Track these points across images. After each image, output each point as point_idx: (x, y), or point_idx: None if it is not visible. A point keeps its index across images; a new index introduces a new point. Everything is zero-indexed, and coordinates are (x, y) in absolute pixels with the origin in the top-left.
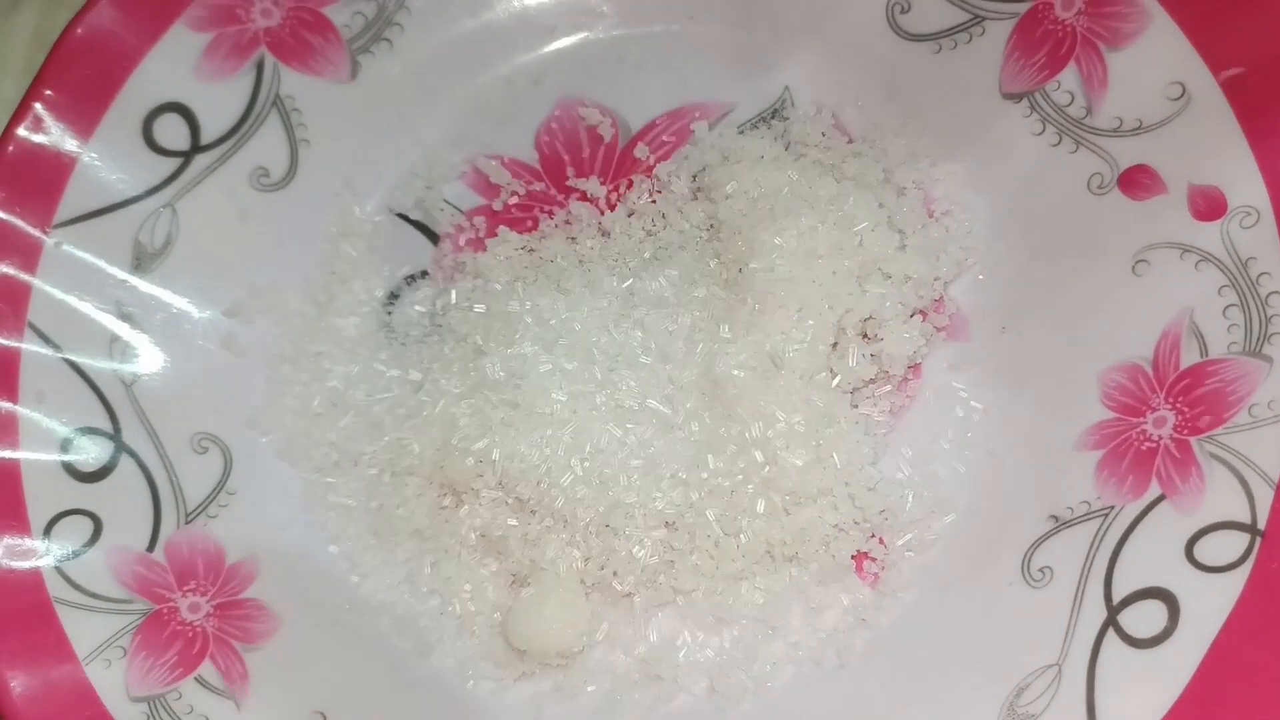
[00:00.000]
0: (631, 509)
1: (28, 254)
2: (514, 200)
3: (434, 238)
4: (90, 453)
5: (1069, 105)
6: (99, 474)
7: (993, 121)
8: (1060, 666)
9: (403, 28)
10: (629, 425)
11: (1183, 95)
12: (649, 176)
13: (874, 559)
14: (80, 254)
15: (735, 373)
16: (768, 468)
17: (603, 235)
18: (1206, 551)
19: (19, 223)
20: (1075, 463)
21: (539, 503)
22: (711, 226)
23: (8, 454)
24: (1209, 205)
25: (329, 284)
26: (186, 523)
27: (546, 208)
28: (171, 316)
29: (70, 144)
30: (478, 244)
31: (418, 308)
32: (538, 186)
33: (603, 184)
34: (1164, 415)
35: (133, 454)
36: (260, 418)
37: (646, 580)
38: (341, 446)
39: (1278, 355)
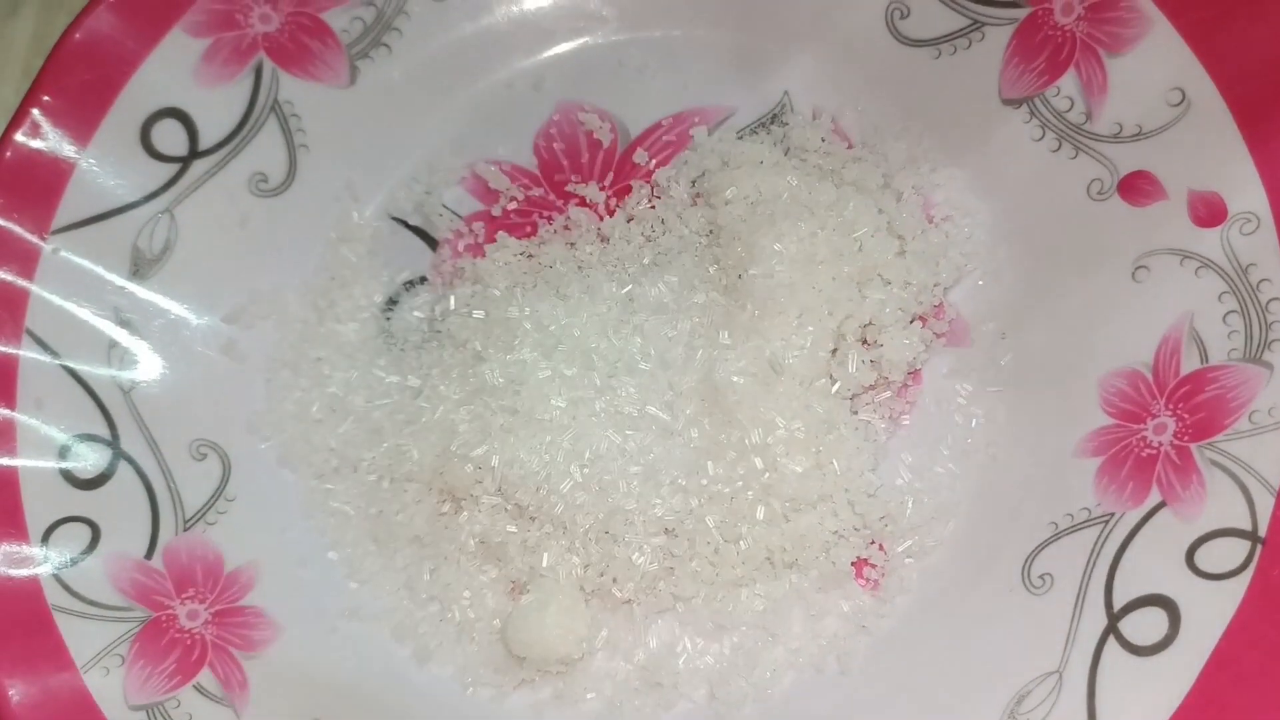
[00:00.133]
0: (631, 515)
1: (25, 260)
2: (513, 206)
3: (433, 243)
4: (88, 460)
5: (1069, 111)
6: (97, 481)
7: (992, 127)
8: (1061, 674)
9: (401, 33)
10: (628, 431)
11: (1183, 101)
12: (648, 182)
13: (874, 565)
14: (78, 260)
15: (735, 379)
16: (767, 474)
17: (602, 241)
18: (1207, 559)
19: (16, 229)
20: (1075, 469)
21: (538, 509)
22: (711, 232)
23: (5, 461)
24: (1209, 211)
25: (328, 289)
26: (185, 529)
27: (545, 213)
28: (170, 323)
29: (68, 150)
30: (477, 249)
31: (416, 313)
32: (537, 192)
33: (602, 189)
34: (1164, 422)
35: (131, 461)
36: (259, 424)
37: (646, 587)
38: (341, 452)
39: (1278, 362)
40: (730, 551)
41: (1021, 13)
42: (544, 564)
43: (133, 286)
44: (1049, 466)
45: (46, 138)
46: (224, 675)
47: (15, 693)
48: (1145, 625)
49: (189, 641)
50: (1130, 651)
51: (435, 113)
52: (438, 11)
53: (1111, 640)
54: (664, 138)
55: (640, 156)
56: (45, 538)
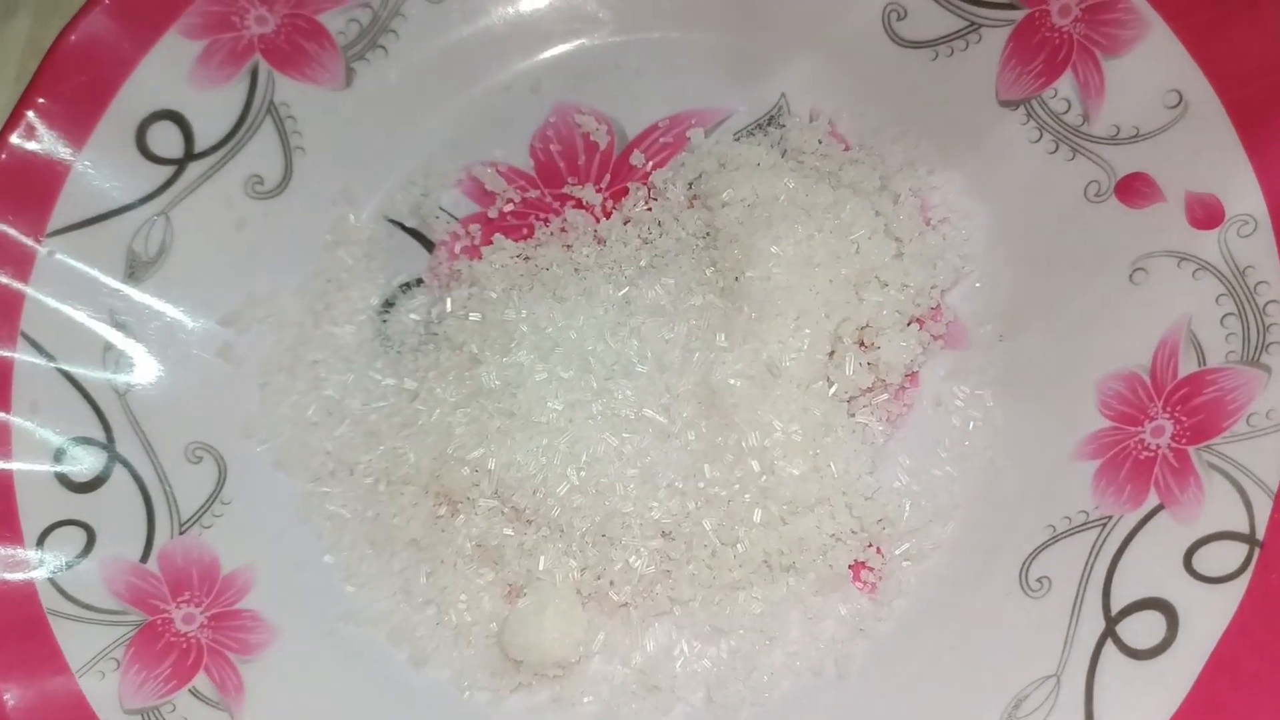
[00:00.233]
0: (628, 518)
1: (20, 263)
2: (510, 208)
3: (429, 245)
4: (83, 463)
5: (1066, 113)
6: (92, 484)
7: (990, 129)
8: (1059, 677)
9: (398, 35)
10: (625, 434)
11: (1180, 103)
12: (645, 184)
13: (871, 568)
14: (73, 263)
15: (732, 381)
16: (765, 477)
17: (599, 243)
18: (1205, 562)
19: (12, 231)
20: (1073, 472)
21: (535, 512)
22: (708, 234)
23: (0, 465)
24: (1207, 214)
25: (325, 292)
26: (180, 533)
27: (542, 215)
28: (166, 325)
29: (63, 152)
30: (473, 252)
31: (413, 316)
32: (533, 194)
33: (599, 191)
34: (1162, 424)
35: (126, 464)
36: (255, 427)
37: (643, 590)
38: (337, 455)
39: (1276, 365)
40: (727, 554)
41: (1019, 14)
42: (541, 567)
43: (128, 289)
44: (1047, 469)
45: (42, 140)
46: (220, 679)
47: (10, 697)
48: (1143, 628)
49: (185, 645)
50: (1128, 655)
51: (432, 115)
52: (434, 14)
53: (1109, 643)
54: (661, 140)
55: (637, 158)
56: (40, 541)
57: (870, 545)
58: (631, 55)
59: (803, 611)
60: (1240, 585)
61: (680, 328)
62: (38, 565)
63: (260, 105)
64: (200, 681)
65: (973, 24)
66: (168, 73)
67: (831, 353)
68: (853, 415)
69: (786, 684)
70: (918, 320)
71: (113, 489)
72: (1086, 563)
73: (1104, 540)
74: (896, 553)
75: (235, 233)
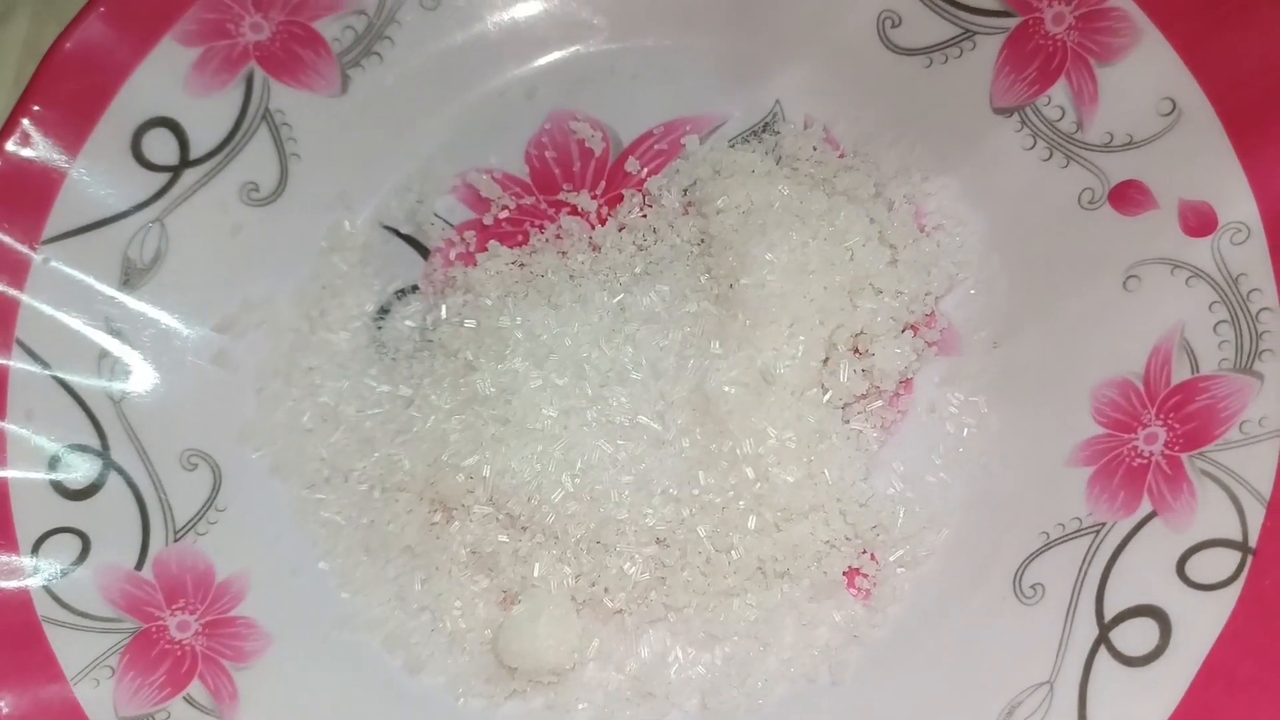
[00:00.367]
0: (623, 525)
1: (15, 270)
2: (505, 214)
3: (424, 252)
4: (78, 470)
5: (1060, 120)
6: (87, 491)
7: (984, 136)
8: (1052, 684)
9: (393, 41)
10: (620, 441)
11: (1173, 111)
12: (640, 190)
13: (866, 575)
14: (69, 270)
15: (726, 389)
16: (759, 484)
17: (593, 250)
18: (1198, 569)
19: (7, 239)
20: (1067, 479)
21: (530, 519)
22: (702, 241)
23: None
24: (1200, 221)
25: (320, 299)
26: (175, 540)
27: (537, 222)
28: (161, 332)
29: (59, 159)
30: (468, 258)
31: (408, 322)
32: (528, 201)
33: (594, 198)
34: (1155, 431)
35: (121, 471)
36: (251, 433)
37: (638, 597)
38: (332, 462)
39: (1268, 372)
40: (722, 561)
41: (1012, 22)
42: (535, 574)
43: (123, 296)
44: (1040, 476)
45: (37, 147)
46: (214, 686)
47: (5, 704)
48: (1136, 636)
49: (179, 653)
50: (1121, 662)
51: (427, 121)
52: (429, 20)
53: (1103, 650)
54: (656, 146)
55: (632, 165)
56: (35, 549)
57: (864, 552)
58: (626, 62)
59: (797, 618)
60: (1233, 592)
61: (675, 334)
62: (33, 573)
63: (255, 112)
64: (195, 689)
65: (967, 31)
66: (163, 79)
67: (826, 359)
68: (847, 422)
69: (781, 690)
70: (912, 327)
71: (107, 496)
72: (1080, 569)
73: (1097, 547)
74: (891, 559)
75: (230, 239)
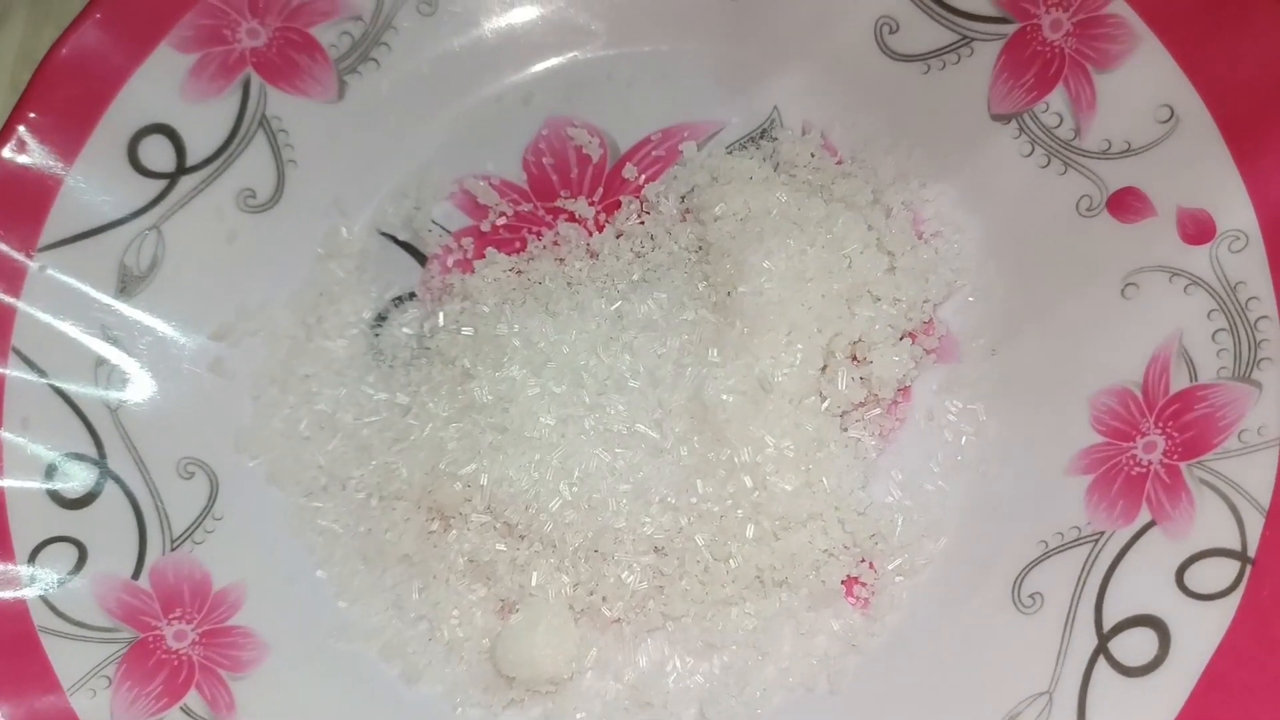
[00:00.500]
0: (620, 534)
1: (12, 278)
2: (502, 221)
3: (422, 259)
4: (75, 479)
5: (1058, 127)
6: (84, 500)
7: (982, 142)
8: (1051, 694)
9: (390, 47)
10: (618, 450)
11: (1171, 118)
12: (637, 197)
13: (864, 584)
14: (65, 278)
15: (724, 397)
16: (757, 492)
17: (591, 257)
18: (1197, 579)
19: (2, 247)
20: (1066, 487)
21: (527, 527)
22: (700, 248)
23: None
24: (1198, 228)
25: (317, 306)
26: (172, 549)
27: (535, 228)
28: (158, 340)
29: (55, 166)
30: (466, 265)
31: (405, 330)
32: (526, 207)
33: (591, 204)
34: (1154, 440)
35: (118, 480)
36: (248, 441)
37: (636, 606)
38: (329, 470)
39: (1267, 381)
40: (720, 570)
41: (1010, 28)
42: (533, 583)
43: (120, 304)
44: (1039, 484)
45: (33, 154)
46: (211, 696)
47: (2, 715)
48: (1135, 645)
49: (176, 662)
50: (1120, 672)
51: (424, 127)
52: (426, 26)
53: (1101, 660)
54: (653, 153)
55: (629, 171)
56: (32, 558)
57: (863, 560)
58: (624, 68)
59: (795, 627)
60: (1232, 602)
61: (672, 342)
62: (29, 582)
63: (252, 118)
64: (192, 699)
65: (964, 38)
66: (160, 86)
67: (824, 367)
68: (845, 430)
69: (779, 699)
70: (910, 334)
71: (104, 505)
72: (1079, 579)
73: (1096, 556)
74: (889, 568)
75: (227, 246)
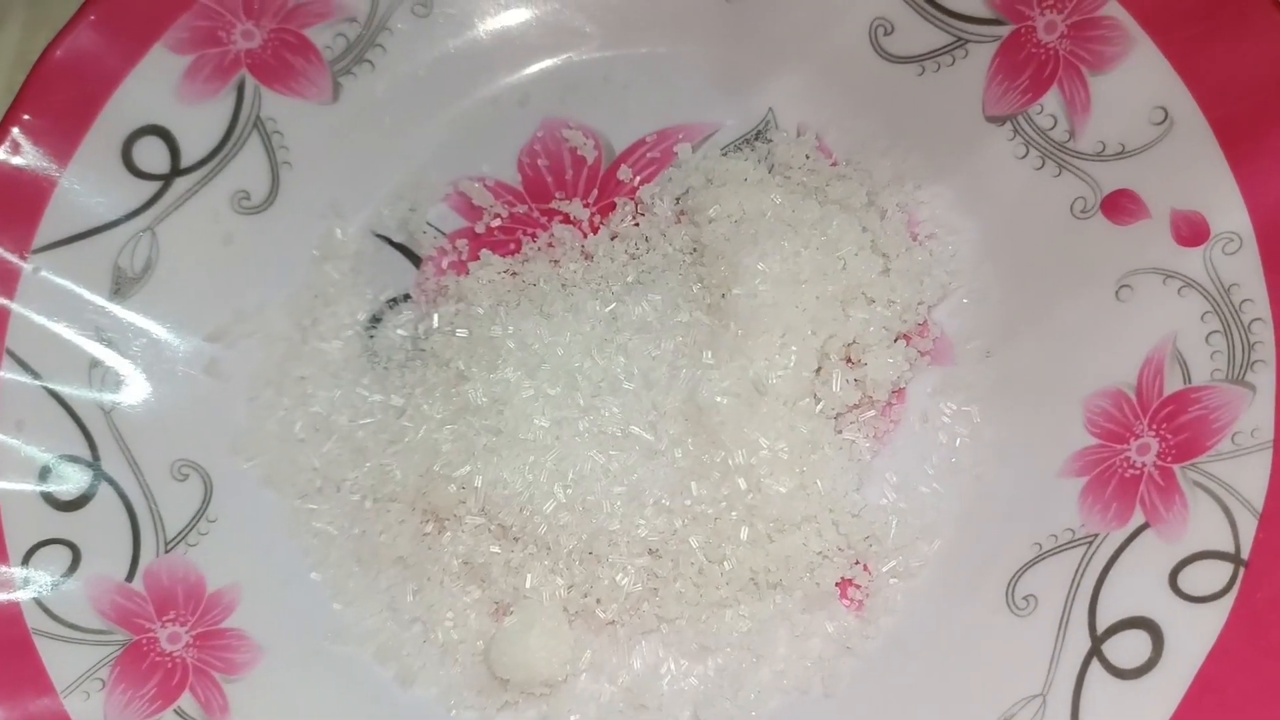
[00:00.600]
0: (615, 536)
1: (6, 280)
2: (497, 223)
3: (417, 260)
4: (69, 481)
5: (1052, 129)
6: (78, 503)
7: (976, 144)
8: (1045, 697)
9: (385, 49)
10: (612, 452)
11: (1165, 120)
12: (632, 199)
13: (859, 586)
14: (59, 280)
15: (718, 399)
16: (751, 495)
17: (586, 259)
18: (1190, 581)
19: None
20: (1059, 489)
21: (522, 530)
22: (695, 250)
23: None
24: (1192, 231)
25: (312, 307)
26: (166, 551)
27: (529, 230)
28: (152, 342)
29: (49, 168)
30: (460, 267)
31: (400, 331)
32: (521, 209)
33: (586, 206)
34: (1148, 442)
35: (112, 482)
36: (242, 443)
37: (630, 608)
38: (324, 472)
39: (1260, 383)
40: (714, 572)
41: (1005, 30)
42: (528, 585)
43: (114, 306)
44: (1033, 486)
45: (27, 156)
46: (205, 699)
47: None
48: (1129, 648)
49: (170, 665)
50: (1114, 674)
51: (419, 129)
52: (421, 28)
53: (1095, 663)
54: (648, 154)
55: (624, 173)
56: (25, 560)
57: (857, 563)
58: (619, 70)
59: (790, 629)
60: (1225, 605)
61: (667, 344)
62: (23, 585)
63: (247, 120)
64: (186, 701)
65: (959, 40)
66: (154, 88)
67: (818, 369)
68: (839, 432)
69: (773, 702)
70: (905, 336)
71: (98, 507)
72: (1072, 581)
73: (1090, 558)
74: (883, 570)
75: (222, 248)
